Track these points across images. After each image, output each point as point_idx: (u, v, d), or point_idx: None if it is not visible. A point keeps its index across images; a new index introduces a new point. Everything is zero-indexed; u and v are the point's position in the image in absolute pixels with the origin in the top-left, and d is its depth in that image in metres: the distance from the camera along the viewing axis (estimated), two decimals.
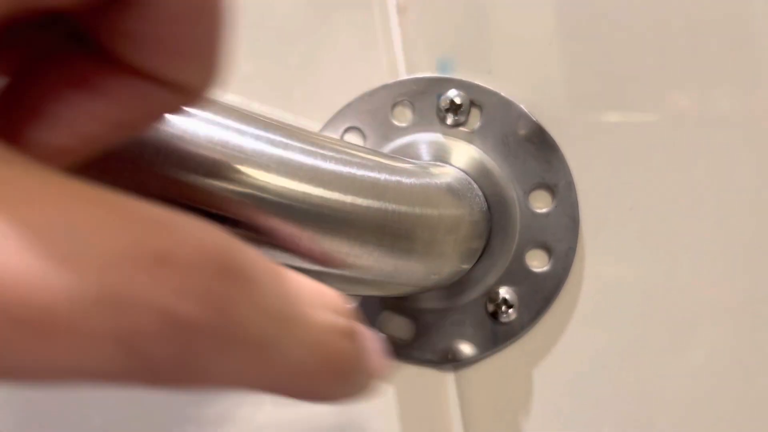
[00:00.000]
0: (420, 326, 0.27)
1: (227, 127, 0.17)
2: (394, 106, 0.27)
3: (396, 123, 0.27)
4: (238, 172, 0.17)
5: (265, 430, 0.29)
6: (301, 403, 0.28)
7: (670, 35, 0.25)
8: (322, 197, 0.18)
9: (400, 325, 0.27)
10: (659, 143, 0.26)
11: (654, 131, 0.26)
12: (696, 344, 0.26)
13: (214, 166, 0.17)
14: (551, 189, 0.26)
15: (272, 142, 0.18)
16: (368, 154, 0.21)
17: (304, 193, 0.18)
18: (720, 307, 0.25)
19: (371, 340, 0.15)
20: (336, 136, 0.28)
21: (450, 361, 0.27)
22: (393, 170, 0.20)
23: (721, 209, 0.25)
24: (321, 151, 0.18)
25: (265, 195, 0.17)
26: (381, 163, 0.20)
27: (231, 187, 0.17)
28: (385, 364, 0.18)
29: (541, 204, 0.26)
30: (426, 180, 0.22)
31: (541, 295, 0.26)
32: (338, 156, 0.19)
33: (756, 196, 0.25)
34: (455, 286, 0.26)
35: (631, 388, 0.26)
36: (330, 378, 0.15)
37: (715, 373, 0.25)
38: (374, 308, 0.28)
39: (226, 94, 0.27)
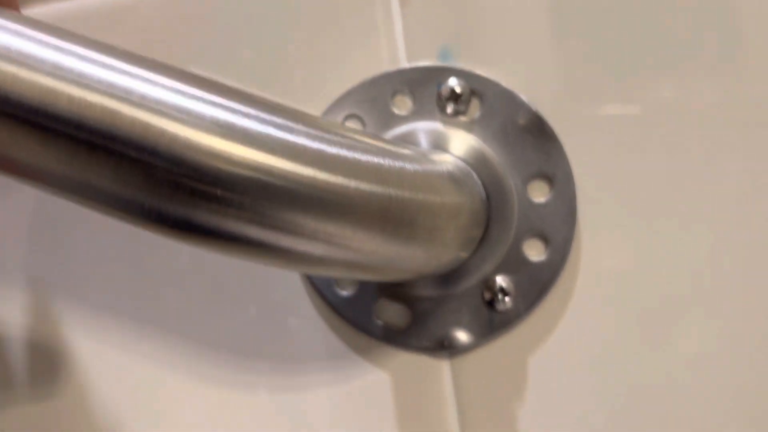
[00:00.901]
0: (416, 314, 0.27)
1: (233, 110, 0.17)
2: (394, 94, 0.27)
3: (396, 111, 0.27)
4: (244, 154, 0.17)
5: (258, 415, 0.29)
6: (295, 391, 0.28)
7: (668, 25, 0.26)
8: (327, 181, 0.18)
9: (397, 313, 0.28)
10: (658, 135, 0.26)
11: (653, 123, 0.26)
12: (691, 334, 0.26)
13: (220, 149, 0.17)
14: (549, 179, 0.26)
15: (278, 126, 0.18)
16: (371, 139, 0.21)
17: (309, 177, 0.18)
18: (715, 298, 0.26)
19: None
20: None
21: (446, 348, 0.27)
22: (396, 156, 0.20)
23: (718, 202, 0.26)
24: (326, 136, 0.18)
25: (270, 178, 0.17)
26: (384, 148, 0.20)
27: (236, 170, 0.17)
28: None
29: (539, 194, 0.26)
30: (429, 166, 0.22)
31: (537, 285, 0.26)
32: (343, 141, 0.19)
33: (755, 191, 0.25)
34: (452, 274, 0.27)
35: (625, 378, 0.26)
36: None
37: (709, 364, 0.26)
38: (371, 295, 0.28)
39: (227, 80, 0.27)
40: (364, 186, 0.19)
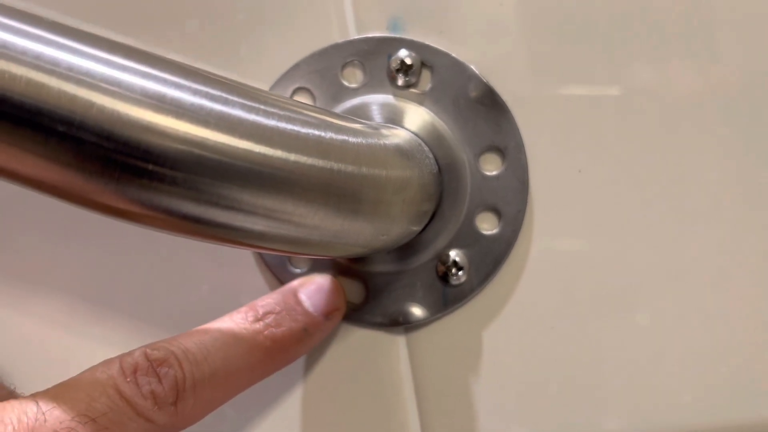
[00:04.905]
0: (371, 290, 0.27)
1: (165, 81, 0.17)
2: (344, 66, 0.27)
3: (346, 84, 0.27)
4: (175, 127, 0.16)
5: None
6: None
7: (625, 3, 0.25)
8: (263, 154, 0.17)
9: (352, 289, 0.27)
10: (610, 109, 0.26)
11: (605, 97, 0.26)
12: (642, 307, 0.26)
13: (150, 121, 0.16)
14: (501, 151, 0.26)
15: (212, 97, 0.17)
16: (314, 112, 0.20)
17: (245, 150, 0.17)
18: (664, 270, 0.26)
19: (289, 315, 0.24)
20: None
21: (401, 323, 0.27)
22: (339, 129, 0.20)
23: (669, 176, 0.26)
24: (264, 107, 0.18)
25: (203, 152, 0.17)
26: (327, 121, 0.20)
27: (168, 143, 0.16)
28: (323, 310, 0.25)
29: (492, 166, 0.26)
30: (374, 140, 0.22)
31: (490, 258, 0.26)
32: (282, 113, 0.18)
33: (708, 165, 0.25)
34: (406, 249, 0.26)
35: (578, 349, 0.26)
36: (277, 358, 0.24)
37: (661, 335, 0.26)
38: (326, 272, 0.27)
39: (170, 54, 0.26)
40: (303, 159, 0.18)
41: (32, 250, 0.30)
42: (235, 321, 0.23)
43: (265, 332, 0.23)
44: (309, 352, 0.26)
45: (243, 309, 0.24)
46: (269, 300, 0.24)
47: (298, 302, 0.25)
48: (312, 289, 0.25)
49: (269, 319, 0.23)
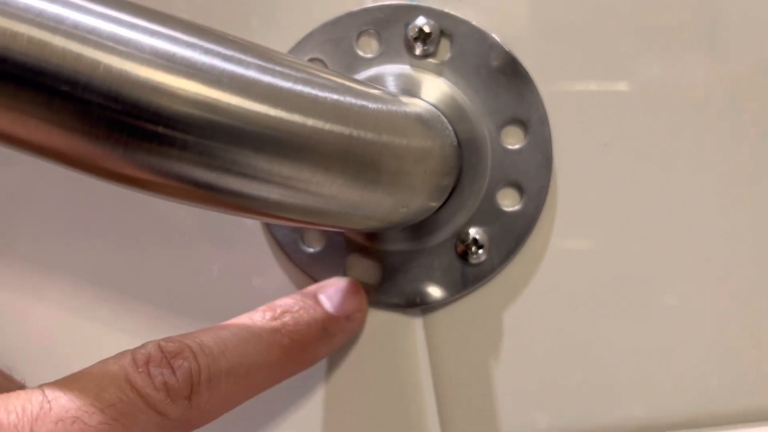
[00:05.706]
0: (387, 269, 0.26)
1: (175, 39, 0.16)
2: (359, 35, 0.26)
3: (361, 53, 0.26)
4: (187, 88, 0.15)
5: None
6: None
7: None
8: (280, 118, 0.16)
9: (367, 269, 0.26)
10: (638, 81, 0.25)
11: (633, 68, 0.25)
12: (668, 289, 0.25)
13: (160, 82, 0.15)
14: (524, 124, 0.25)
15: (225, 57, 0.16)
16: (333, 75, 0.19)
17: (259, 113, 0.16)
18: (694, 250, 0.25)
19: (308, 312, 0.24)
20: None
21: (418, 304, 0.26)
22: (358, 94, 0.19)
23: (698, 154, 0.25)
24: (280, 69, 0.17)
25: (216, 115, 0.16)
26: (345, 85, 0.19)
27: (178, 105, 0.15)
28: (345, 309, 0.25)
29: (514, 140, 0.25)
30: (394, 107, 0.21)
31: (512, 236, 0.25)
32: (299, 75, 0.17)
33: (727, 157, 0.24)
34: (424, 227, 0.25)
35: (602, 332, 0.25)
36: (296, 357, 0.23)
37: (689, 318, 0.25)
38: (339, 251, 0.26)
39: None
40: (321, 124, 0.17)
41: (43, 236, 0.29)
42: (253, 319, 0.22)
43: (283, 330, 0.22)
44: (331, 353, 0.26)
45: (261, 308, 0.23)
46: (288, 300, 0.24)
47: (318, 302, 0.24)
48: (331, 290, 0.25)
49: (287, 317, 0.23)
